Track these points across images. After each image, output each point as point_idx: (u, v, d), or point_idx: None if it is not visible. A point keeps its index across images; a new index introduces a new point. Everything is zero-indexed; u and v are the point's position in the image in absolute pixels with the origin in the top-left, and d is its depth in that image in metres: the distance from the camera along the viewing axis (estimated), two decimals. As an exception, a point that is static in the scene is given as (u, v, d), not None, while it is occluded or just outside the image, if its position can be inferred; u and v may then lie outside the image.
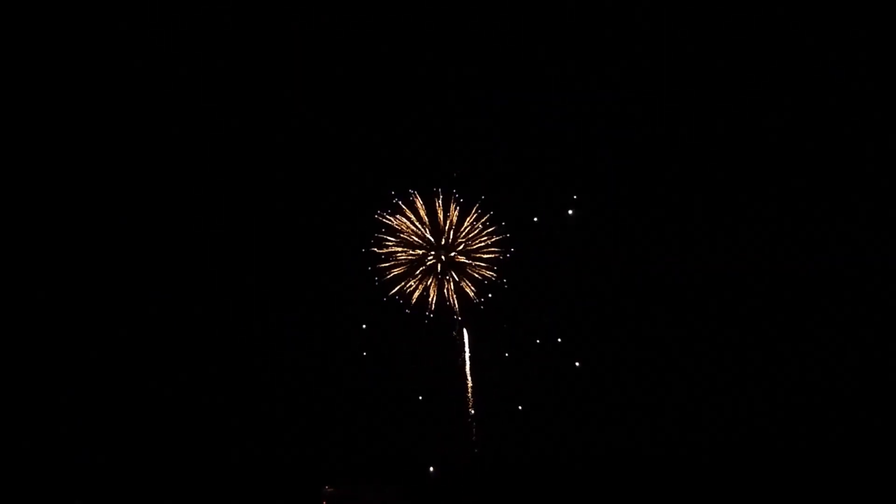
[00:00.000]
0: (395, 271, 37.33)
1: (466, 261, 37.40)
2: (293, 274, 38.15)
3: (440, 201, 37.48)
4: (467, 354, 37.58)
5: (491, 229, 37.38)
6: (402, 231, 37.54)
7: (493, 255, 37.51)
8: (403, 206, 37.47)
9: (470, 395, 37.25)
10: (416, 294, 37.21)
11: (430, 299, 37.25)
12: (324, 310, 37.78)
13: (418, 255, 37.43)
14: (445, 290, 37.33)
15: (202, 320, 37.15)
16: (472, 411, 36.96)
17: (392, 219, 37.47)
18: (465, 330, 37.56)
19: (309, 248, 38.39)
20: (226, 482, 35.10)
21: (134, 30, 38.19)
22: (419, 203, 37.44)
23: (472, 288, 37.35)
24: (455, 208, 37.34)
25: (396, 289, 37.17)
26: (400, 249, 37.47)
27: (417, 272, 37.35)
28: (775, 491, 34.87)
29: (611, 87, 38.55)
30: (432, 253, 37.43)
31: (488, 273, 37.32)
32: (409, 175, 38.30)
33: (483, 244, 37.42)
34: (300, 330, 37.56)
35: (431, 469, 35.87)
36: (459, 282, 37.36)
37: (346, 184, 38.72)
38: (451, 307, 37.26)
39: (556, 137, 38.82)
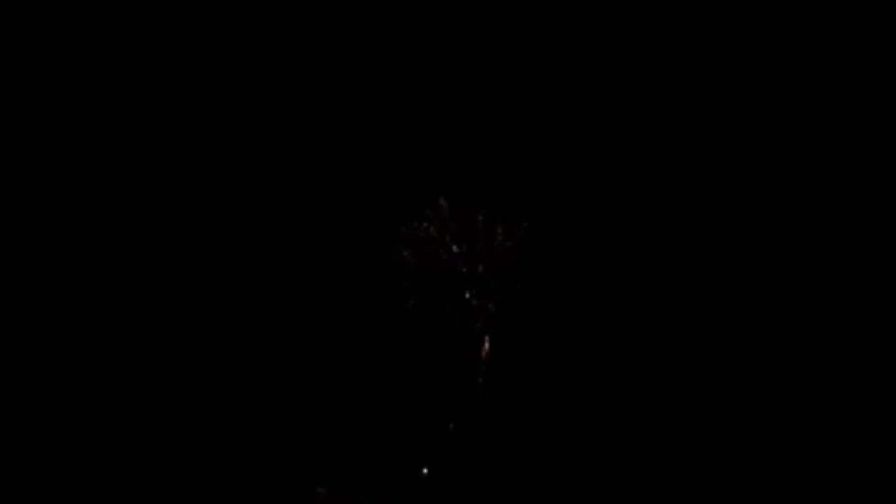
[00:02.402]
0: (414, 280, 37.18)
1: (490, 277, 37.21)
2: (294, 271, 38.20)
3: (466, 211, 37.38)
4: (483, 358, 37.39)
5: (518, 238, 37.19)
6: (425, 239, 37.38)
7: (516, 267, 37.28)
8: (430, 213, 37.35)
9: (479, 399, 37.15)
10: (435, 305, 37.05)
11: (449, 310, 37.08)
12: (327, 310, 37.83)
13: (441, 265, 37.25)
14: (467, 300, 37.16)
15: (200, 321, 37.22)
16: (477, 414, 36.89)
17: (416, 226, 37.29)
18: (486, 338, 37.40)
19: (315, 246, 38.45)
20: (216, 481, 35.10)
21: (134, 29, 38.36)
22: (445, 211, 37.29)
23: (496, 301, 37.16)
24: (481, 219, 37.20)
25: (414, 297, 37.07)
26: (420, 259, 37.27)
27: (438, 283, 37.17)
28: (776, 491, 34.92)
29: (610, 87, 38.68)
30: (455, 263, 37.25)
31: (512, 284, 37.11)
32: (430, 181, 38.28)
33: (508, 254, 37.21)
34: (300, 328, 37.59)
35: (425, 470, 35.80)
36: (483, 294, 37.17)
37: (366, 187, 38.81)
38: (472, 319, 37.06)
39: (565, 137, 38.88)
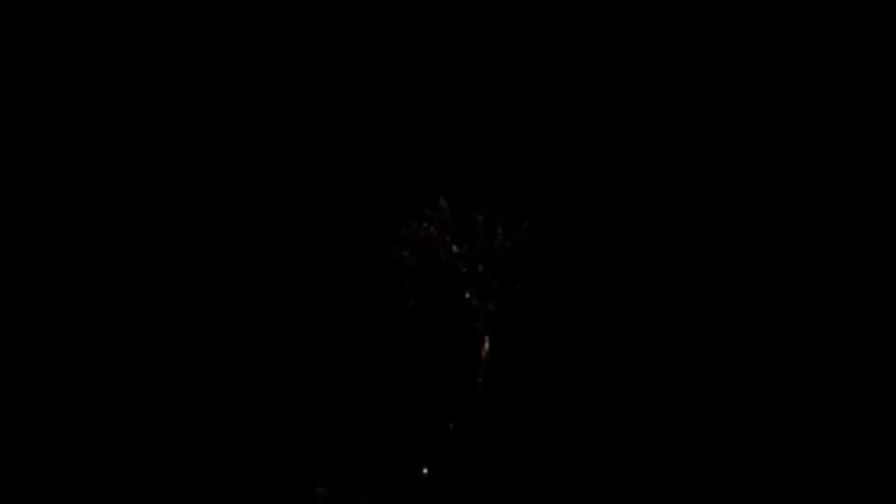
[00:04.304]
0: (414, 280, 37.07)
1: (490, 277, 37.10)
2: (295, 271, 38.15)
3: (466, 211, 37.29)
4: (483, 358, 37.25)
5: (518, 238, 37.08)
6: (425, 239, 37.26)
7: (516, 268, 37.15)
8: (430, 213, 37.24)
9: (479, 399, 37.06)
10: (435, 305, 36.93)
11: (449, 310, 36.96)
12: (328, 310, 37.78)
13: (441, 265, 37.15)
14: (467, 300, 37.02)
15: (201, 321, 37.20)
16: (476, 414, 36.83)
17: (416, 226, 37.17)
18: (486, 338, 37.29)
19: (316, 246, 38.40)
20: (216, 481, 35.07)
21: (134, 29, 38.36)
22: (445, 211, 37.17)
23: (496, 301, 37.06)
24: (481, 219, 37.10)
25: (414, 297, 36.96)
26: (420, 259, 37.15)
27: (438, 283, 37.07)
28: (776, 491, 34.88)
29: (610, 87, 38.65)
30: (455, 263, 37.15)
31: (512, 284, 37.00)
32: (430, 181, 38.17)
33: (508, 254, 37.09)
34: (300, 328, 37.55)
35: (425, 470, 35.76)
36: (483, 294, 37.04)
37: (366, 187, 38.74)
38: (472, 319, 36.93)
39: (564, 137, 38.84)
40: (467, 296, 36.89)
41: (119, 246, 37.36)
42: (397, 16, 39.25)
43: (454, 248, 37.12)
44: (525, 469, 35.71)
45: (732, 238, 37.63)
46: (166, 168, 38.11)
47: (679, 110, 38.65)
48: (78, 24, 38.20)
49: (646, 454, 35.68)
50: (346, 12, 39.48)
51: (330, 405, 36.57)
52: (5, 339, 35.87)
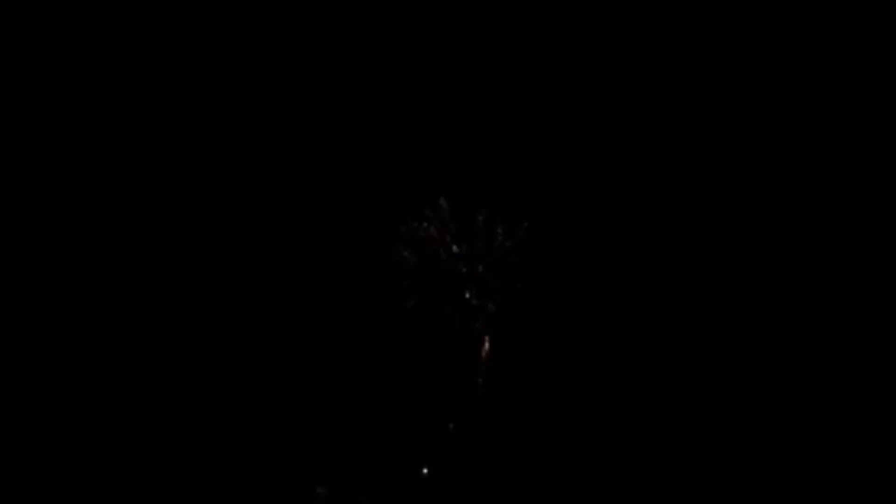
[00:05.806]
0: (414, 280, 37.05)
1: (491, 276, 37.07)
2: (295, 271, 38.16)
3: (466, 211, 37.27)
4: (483, 358, 37.22)
5: (518, 238, 37.07)
6: (425, 239, 37.22)
7: (516, 267, 37.14)
8: (430, 213, 37.23)
9: (478, 398, 37.06)
10: (435, 305, 36.90)
11: (449, 310, 36.94)
12: (328, 310, 37.80)
13: (441, 265, 37.13)
14: (467, 300, 36.98)
15: (201, 321, 37.21)
16: (475, 414, 36.85)
17: (416, 226, 37.14)
18: (486, 338, 37.28)
19: (316, 246, 38.42)
20: (216, 481, 35.08)
21: (134, 29, 38.37)
22: (445, 210, 37.14)
23: (496, 301, 37.05)
24: (481, 219, 37.11)
25: (414, 297, 36.94)
26: (420, 259, 37.13)
27: (438, 283, 37.04)
28: (776, 491, 34.91)
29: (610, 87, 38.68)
30: (455, 263, 37.12)
31: (512, 284, 36.99)
32: (430, 181, 38.14)
33: (508, 254, 37.07)
34: (300, 328, 37.57)
35: (425, 470, 35.77)
36: (483, 294, 37.02)
37: (366, 187, 38.73)
38: (472, 319, 36.90)
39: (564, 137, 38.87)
40: (467, 296, 36.93)
41: (119, 246, 37.42)
42: (397, 16, 39.30)
43: (454, 248, 37.12)
44: (525, 469, 35.76)
45: (732, 238, 37.69)
46: (166, 168, 38.16)
47: (678, 110, 38.70)
48: (78, 24, 38.24)
49: (646, 454, 35.75)
50: (346, 12, 39.53)
51: (330, 405, 36.61)
52: (5, 340, 35.95)
